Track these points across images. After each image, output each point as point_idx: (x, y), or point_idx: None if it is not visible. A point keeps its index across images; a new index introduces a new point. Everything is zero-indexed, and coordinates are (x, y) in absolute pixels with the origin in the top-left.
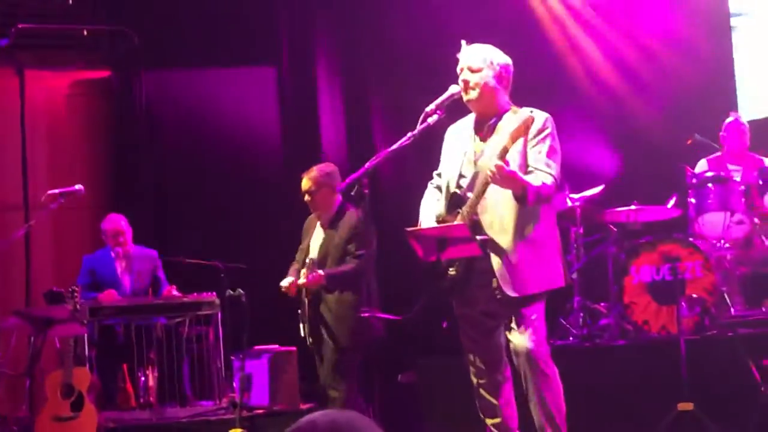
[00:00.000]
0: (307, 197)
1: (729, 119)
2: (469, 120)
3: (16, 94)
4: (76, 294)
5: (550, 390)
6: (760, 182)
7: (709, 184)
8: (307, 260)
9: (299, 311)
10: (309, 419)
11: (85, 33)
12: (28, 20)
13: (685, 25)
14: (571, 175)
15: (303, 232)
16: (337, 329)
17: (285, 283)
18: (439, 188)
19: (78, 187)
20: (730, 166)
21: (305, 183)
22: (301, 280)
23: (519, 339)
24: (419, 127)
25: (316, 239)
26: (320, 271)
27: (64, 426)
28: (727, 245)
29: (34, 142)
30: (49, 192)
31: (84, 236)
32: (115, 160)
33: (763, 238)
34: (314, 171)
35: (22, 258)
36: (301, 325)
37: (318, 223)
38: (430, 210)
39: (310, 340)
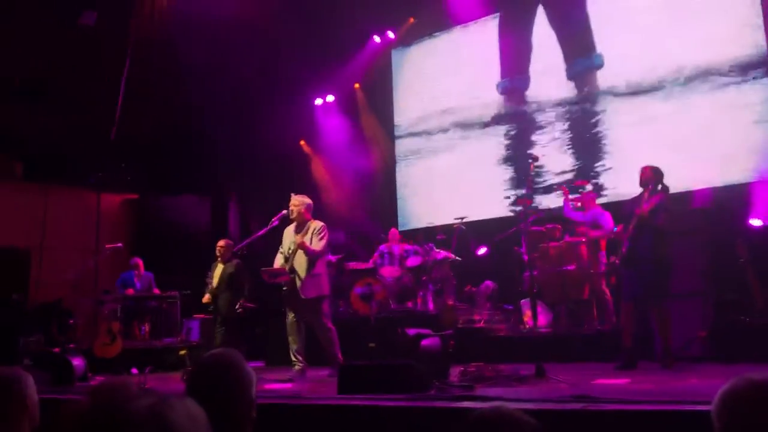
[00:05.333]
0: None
1: (391, 229)
2: (293, 225)
3: (94, 205)
4: (113, 291)
5: (331, 338)
6: (402, 257)
7: (386, 256)
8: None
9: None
10: (210, 352)
11: (129, 179)
12: (101, 170)
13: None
14: (335, 248)
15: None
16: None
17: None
18: (283, 254)
19: (119, 244)
20: (393, 248)
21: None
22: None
23: (316, 318)
24: (269, 226)
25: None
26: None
27: (106, 347)
28: (390, 280)
29: (101, 224)
30: (107, 245)
31: (121, 264)
32: (135, 236)
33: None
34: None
35: (93, 273)
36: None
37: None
38: (277, 262)
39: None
